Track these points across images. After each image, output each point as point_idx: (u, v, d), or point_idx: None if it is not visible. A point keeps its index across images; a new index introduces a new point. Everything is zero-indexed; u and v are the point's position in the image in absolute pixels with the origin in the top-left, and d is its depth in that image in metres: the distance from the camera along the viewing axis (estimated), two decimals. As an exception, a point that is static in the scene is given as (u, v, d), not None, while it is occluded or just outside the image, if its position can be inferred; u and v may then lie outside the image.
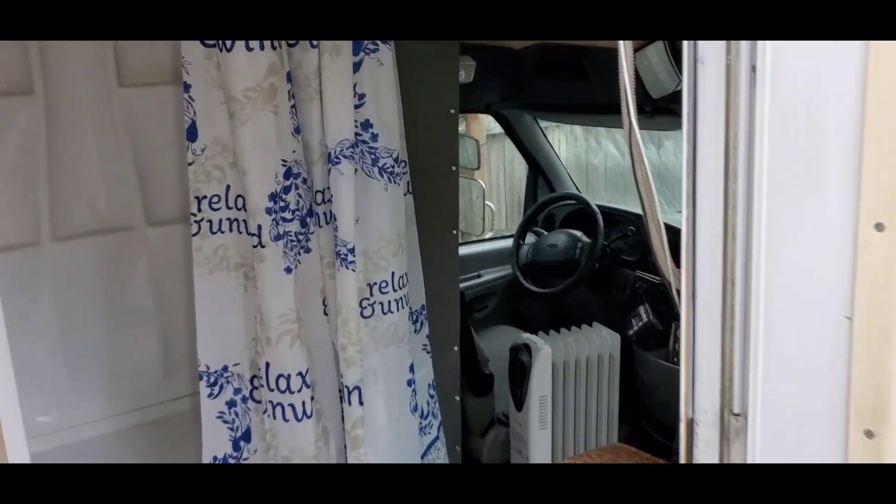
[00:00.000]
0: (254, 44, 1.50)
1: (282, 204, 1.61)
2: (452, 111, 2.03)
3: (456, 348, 2.21)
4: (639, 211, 2.99)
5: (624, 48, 1.08)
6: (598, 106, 2.56)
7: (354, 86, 1.67)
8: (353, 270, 1.68)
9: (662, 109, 2.38)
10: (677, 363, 2.48)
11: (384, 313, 1.81)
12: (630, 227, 2.82)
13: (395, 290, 1.81)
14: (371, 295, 1.79)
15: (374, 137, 1.73)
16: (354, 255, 1.67)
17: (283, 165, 1.60)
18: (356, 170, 1.69)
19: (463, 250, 3.02)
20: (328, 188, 1.70)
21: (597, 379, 2.38)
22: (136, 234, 2.10)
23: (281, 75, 1.56)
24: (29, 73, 1.92)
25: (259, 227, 1.58)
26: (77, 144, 2.01)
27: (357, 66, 1.67)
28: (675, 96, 2.18)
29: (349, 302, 1.69)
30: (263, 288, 1.62)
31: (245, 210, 1.63)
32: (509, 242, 3.22)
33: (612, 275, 2.87)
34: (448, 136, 2.06)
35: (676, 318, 2.33)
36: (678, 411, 0.94)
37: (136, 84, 2.01)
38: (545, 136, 3.16)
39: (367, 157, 1.73)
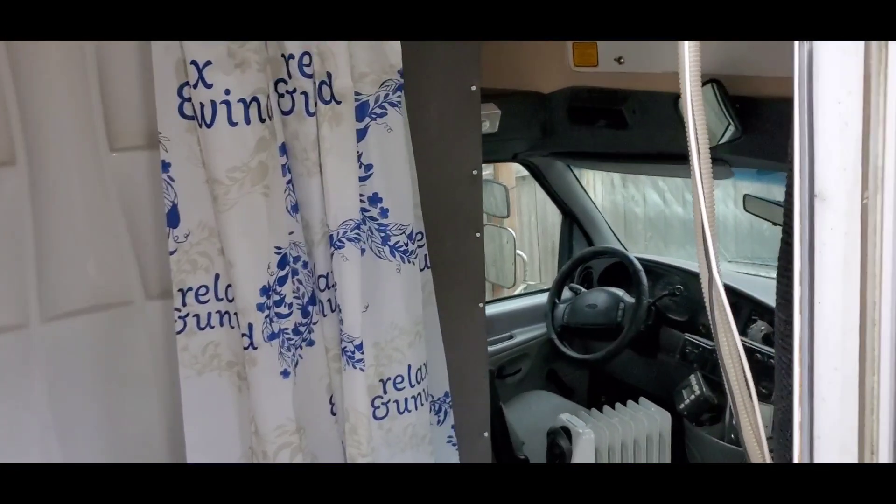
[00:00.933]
0: (238, 117, 1.29)
1: (276, 298, 1.39)
2: (475, 172, 1.80)
3: (486, 434, 1.96)
4: (685, 265, 2.76)
5: (689, 84, 0.83)
6: (638, 155, 2.32)
7: (360, 156, 1.45)
8: (362, 370, 1.45)
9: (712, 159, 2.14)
10: (734, 442, 2.22)
11: (400, 412, 1.57)
12: (678, 286, 2.56)
13: (412, 385, 1.57)
14: (385, 392, 1.56)
15: (384, 213, 1.50)
16: (363, 352, 1.45)
17: (278, 253, 1.38)
18: (363, 250, 1.47)
19: (492, 309, 2.78)
20: (332, 272, 1.47)
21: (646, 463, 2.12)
22: (134, 308, 1.89)
23: (273, 150, 1.35)
24: (10, 142, 1.74)
25: (250, 326, 1.37)
26: (66, 215, 1.82)
27: (362, 134, 1.46)
28: (728, 145, 1.94)
29: (358, 406, 1.46)
30: (257, 396, 1.40)
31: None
32: (543, 298, 2.97)
33: (657, 336, 2.61)
34: (470, 199, 1.82)
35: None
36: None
37: (129, 147, 1.81)
38: (580, 183, 2.92)
39: (377, 236, 1.51)
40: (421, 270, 1.61)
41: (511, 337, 2.81)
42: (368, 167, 1.48)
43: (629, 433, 2.06)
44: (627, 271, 2.84)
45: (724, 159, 2.13)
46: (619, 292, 2.61)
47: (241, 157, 1.31)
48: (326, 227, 1.43)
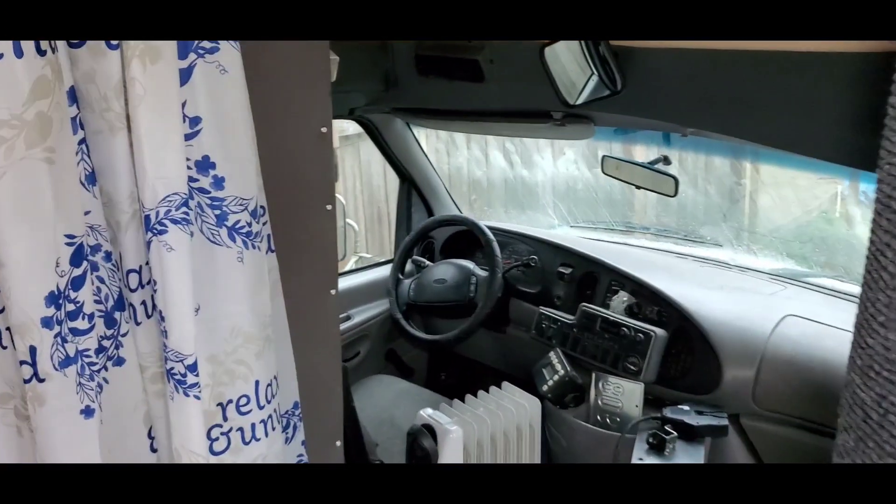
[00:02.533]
0: (3, 47, 0.86)
1: (70, 308, 0.98)
2: (324, 129, 1.45)
3: (339, 443, 1.65)
4: (533, 232, 2.57)
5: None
6: (495, 112, 2.07)
7: (184, 106, 1.06)
8: (196, 397, 1.08)
9: (575, 115, 1.93)
10: (601, 424, 2.08)
11: (246, 443, 1.21)
12: (532, 257, 2.36)
13: (261, 407, 1.22)
14: (225, 419, 1.19)
15: (219, 183, 1.12)
16: (197, 373, 1.07)
17: (69, 243, 0.97)
18: (192, 234, 1.09)
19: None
20: (148, 264, 1.08)
21: (517, 457, 1.91)
22: None
23: (58, 97, 0.92)
24: None
25: (32, 349, 0.95)
26: None
27: (186, 76, 1.06)
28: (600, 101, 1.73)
29: (192, 444, 1.09)
30: (48, 444, 0.99)
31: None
32: (381, 273, 2.67)
33: (506, 309, 2.41)
34: (319, 163, 1.47)
35: (596, 368, 1.88)
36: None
37: None
38: (420, 146, 2.63)
39: (210, 214, 1.13)
40: (265, 254, 1.25)
41: (348, 318, 2.49)
42: (196, 121, 1.09)
43: (498, 425, 1.84)
44: (473, 241, 2.61)
45: (588, 116, 1.94)
46: (470, 265, 2.37)
47: (10, 107, 0.87)
48: (139, 204, 1.03)
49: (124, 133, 1.02)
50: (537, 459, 1.96)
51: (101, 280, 1.07)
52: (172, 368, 1.06)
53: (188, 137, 1.07)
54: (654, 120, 1.75)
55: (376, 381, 2.48)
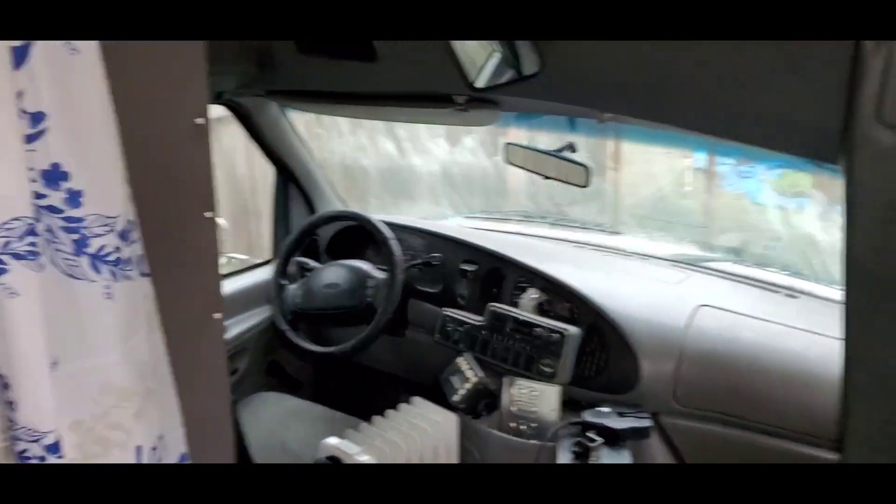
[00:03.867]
0: None
1: None
2: (200, 120, 1.19)
3: None
4: (430, 227, 2.37)
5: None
6: (389, 96, 1.86)
7: (20, 97, 0.79)
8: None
9: (480, 100, 1.76)
10: (518, 432, 1.93)
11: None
12: (434, 255, 2.17)
13: (144, 476, 0.97)
14: (98, 499, 0.93)
15: (75, 199, 0.86)
16: (60, 454, 0.81)
17: None
18: (42, 268, 0.82)
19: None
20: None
21: (432, 483, 1.72)
22: None
23: None
24: None
25: None
26: None
27: (21, 56, 0.79)
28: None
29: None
30: None
31: None
32: (257, 276, 2.40)
33: (404, 311, 2.22)
34: (196, 162, 1.21)
35: (508, 371, 1.72)
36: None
37: None
38: (297, 133, 2.37)
39: (66, 241, 0.86)
40: (138, 283, 0.99)
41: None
42: (38, 118, 0.82)
43: (414, 449, 1.64)
44: (362, 238, 2.39)
45: (494, 101, 1.77)
46: (365, 266, 2.14)
47: None
48: (-37, 234, 0.76)
49: (-65, 137, 0.74)
50: (454, 480, 1.79)
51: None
52: (25, 451, 0.80)
53: (29, 140, 0.80)
54: (571, 105, 1.60)
55: (260, 399, 2.22)
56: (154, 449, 0.99)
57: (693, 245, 2.35)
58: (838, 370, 1.59)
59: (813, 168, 2.59)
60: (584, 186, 1.80)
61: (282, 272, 2.21)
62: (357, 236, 2.37)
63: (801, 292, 2.01)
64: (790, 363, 1.67)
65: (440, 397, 1.96)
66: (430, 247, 2.22)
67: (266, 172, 3.09)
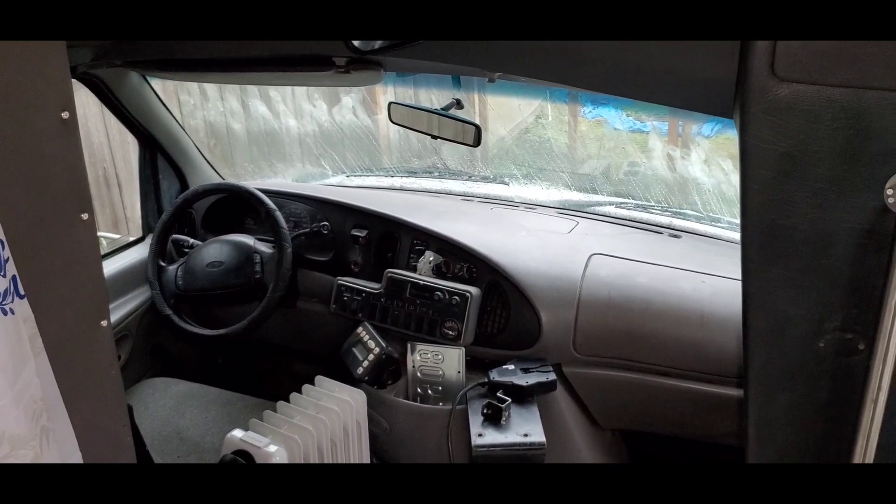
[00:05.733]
0: None
1: None
2: (66, 114, 1.06)
3: None
4: (313, 193, 2.27)
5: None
6: (262, 60, 1.73)
7: None
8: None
9: (363, 61, 1.68)
10: (424, 398, 1.92)
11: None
12: (324, 223, 2.08)
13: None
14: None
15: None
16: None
17: None
18: None
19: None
20: None
21: (347, 461, 1.69)
22: None
23: None
24: None
25: None
26: None
27: None
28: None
29: None
30: None
31: None
32: (132, 256, 2.24)
33: (294, 281, 2.14)
34: (66, 160, 1.08)
35: (411, 338, 1.71)
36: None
37: None
38: (162, 102, 2.19)
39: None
40: (18, 308, 0.88)
41: None
42: None
43: (323, 432, 1.59)
44: (240, 209, 2.27)
45: (377, 62, 1.69)
46: (249, 241, 2.02)
47: None
48: None
49: None
50: (367, 456, 1.76)
51: None
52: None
53: None
54: (458, 65, 1.55)
55: (147, 386, 2.09)
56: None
57: (576, 190, 2.38)
58: (730, 309, 1.69)
59: None
60: (475, 146, 1.77)
61: (159, 252, 2.07)
62: (235, 207, 2.24)
63: (684, 231, 2.09)
64: (683, 305, 1.73)
65: (339, 368, 1.92)
66: (316, 213, 2.13)
67: (126, 139, 2.86)
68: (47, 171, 1.03)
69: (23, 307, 0.90)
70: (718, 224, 2.12)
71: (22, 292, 0.91)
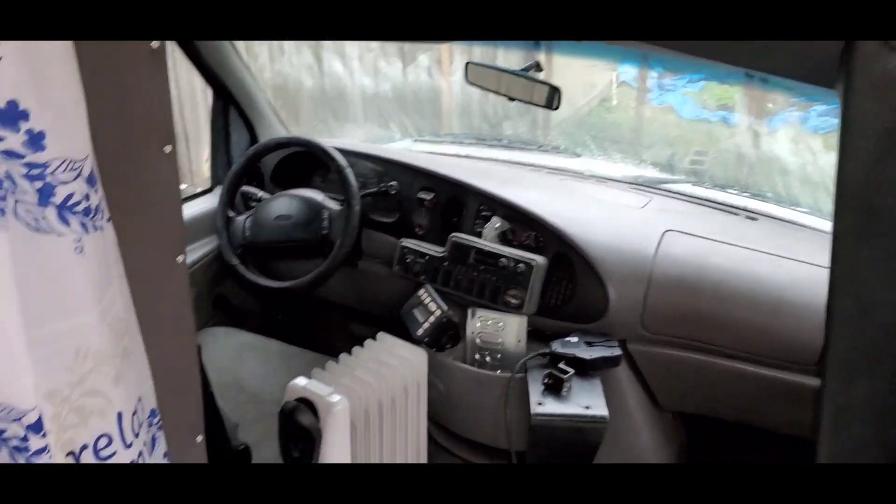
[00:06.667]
0: None
1: None
2: (156, 44, 1.06)
3: (200, 438, 1.34)
4: (382, 153, 2.26)
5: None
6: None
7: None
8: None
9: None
10: (482, 363, 1.90)
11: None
12: (391, 183, 2.07)
13: (127, 445, 0.88)
14: (79, 472, 0.84)
15: (37, 141, 0.74)
16: (44, 432, 0.72)
17: None
18: (6, 222, 0.71)
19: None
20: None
21: (405, 419, 1.68)
22: None
23: None
24: None
25: None
26: None
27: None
28: None
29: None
30: None
31: None
32: (199, 206, 2.26)
33: (358, 240, 2.13)
34: (153, 92, 1.08)
35: (472, 303, 1.68)
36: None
37: None
38: (238, 54, 2.19)
39: (28, 190, 0.74)
40: (107, 232, 0.88)
41: None
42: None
43: (385, 388, 1.58)
44: (309, 165, 2.27)
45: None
46: (318, 197, 2.03)
47: None
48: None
49: None
50: (424, 417, 1.75)
51: None
52: (3, 431, 0.71)
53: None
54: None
55: (209, 335, 2.12)
56: (134, 413, 0.90)
57: (651, 167, 2.32)
58: (808, 295, 1.63)
59: (736, 81, 2.58)
60: (554, 108, 1.73)
61: (228, 203, 2.08)
62: (304, 163, 2.24)
63: (761, 214, 2.02)
64: (758, 288, 1.68)
65: (399, 329, 1.91)
66: (383, 174, 2.12)
67: (195, 93, 2.89)
68: (135, 102, 1.03)
69: (109, 229, 0.90)
70: (799, 208, 2.04)
71: (108, 217, 0.91)
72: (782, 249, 1.76)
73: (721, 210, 2.04)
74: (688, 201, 2.09)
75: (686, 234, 1.83)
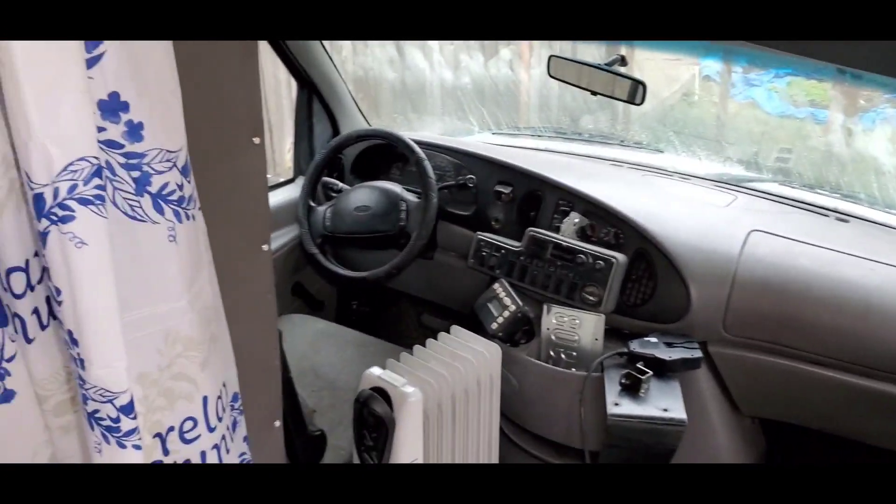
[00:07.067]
0: None
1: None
2: None
3: (278, 423, 1.37)
4: (459, 145, 2.27)
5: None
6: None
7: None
8: (137, 447, 0.75)
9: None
10: (555, 360, 1.89)
11: (196, 477, 0.90)
12: (470, 176, 2.07)
13: (211, 429, 0.91)
14: (165, 453, 0.87)
15: (136, 131, 0.76)
16: (134, 414, 0.74)
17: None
18: (107, 210, 0.74)
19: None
20: (37, 256, 0.72)
21: (478, 413, 1.68)
22: None
23: None
24: None
25: None
26: None
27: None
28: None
29: None
30: None
31: None
32: (281, 196, 2.31)
33: (434, 233, 2.13)
34: (245, 84, 1.11)
35: (548, 299, 1.65)
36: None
37: None
38: (324, 46, 2.22)
39: (126, 179, 0.77)
40: (198, 222, 0.91)
41: None
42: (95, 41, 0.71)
43: (458, 381, 1.59)
44: (388, 157, 2.28)
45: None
46: (397, 189, 2.05)
47: None
48: (24, 177, 0.66)
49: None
50: (497, 412, 1.75)
51: (-34, 288, 0.71)
52: (97, 411, 0.73)
53: (88, 65, 0.69)
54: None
55: (287, 322, 2.16)
56: (219, 398, 0.93)
57: (736, 164, 2.25)
58: (898, 300, 1.55)
59: (826, 76, 2.47)
60: (638, 104, 1.69)
61: (310, 193, 2.12)
62: (384, 155, 2.26)
63: (852, 216, 1.94)
64: (847, 292, 1.60)
65: (471, 323, 1.91)
66: (461, 167, 2.12)
67: (279, 85, 2.94)
68: (227, 93, 1.06)
69: (200, 219, 0.93)
70: (894, 211, 1.95)
71: (199, 205, 0.94)
72: (874, 253, 1.68)
73: (809, 211, 1.96)
74: (774, 201, 2.02)
75: (772, 234, 1.77)
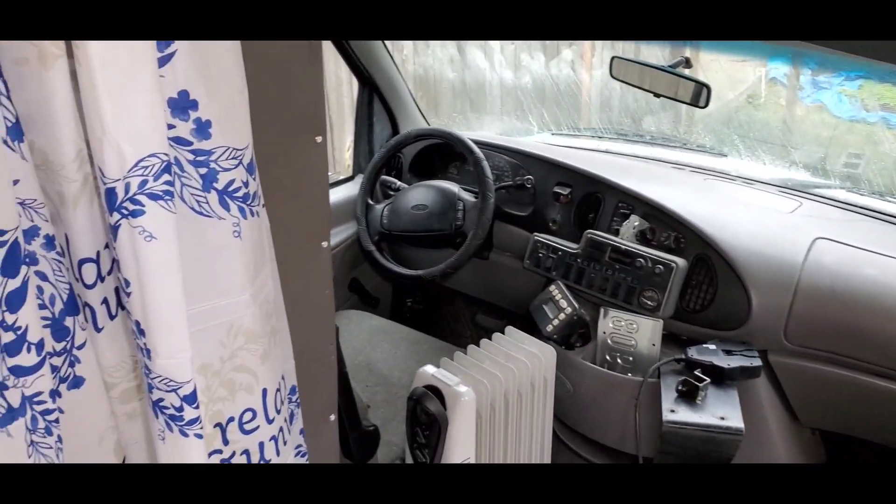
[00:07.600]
0: None
1: (8, 338, 0.65)
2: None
3: (333, 417, 1.39)
4: (516, 145, 2.26)
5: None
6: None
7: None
8: (199, 436, 0.77)
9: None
10: (610, 365, 1.87)
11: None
12: (528, 177, 2.06)
13: (269, 421, 0.93)
14: (225, 443, 0.90)
15: (204, 129, 0.78)
16: (197, 404, 0.76)
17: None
18: (169, 204, 0.76)
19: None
20: (107, 248, 0.75)
21: (531, 415, 1.68)
22: None
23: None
24: None
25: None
26: None
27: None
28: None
29: (194, 495, 0.79)
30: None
31: None
32: (340, 193, 2.34)
33: (490, 233, 2.13)
34: (308, 83, 1.13)
35: (605, 303, 1.63)
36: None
37: None
38: (385, 44, 2.25)
39: (194, 176, 0.79)
40: (262, 218, 0.93)
41: None
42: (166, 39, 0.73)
43: (511, 382, 1.59)
44: (446, 156, 2.29)
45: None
46: (454, 188, 2.05)
47: None
48: (97, 171, 0.69)
49: (63, 62, 0.66)
50: (550, 414, 1.74)
51: (43, 277, 0.74)
52: (161, 400, 0.75)
53: (160, 63, 0.72)
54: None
55: (343, 317, 2.19)
56: (278, 390, 0.95)
57: (802, 169, 2.19)
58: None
59: None
60: (702, 107, 1.66)
61: (368, 191, 2.14)
62: (442, 154, 2.27)
63: (924, 225, 1.87)
64: None
65: (526, 324, 1.90)
66: (519, 167, 2.11)
67: (340, 84, 2.98)
68: (292, 93, 1.08)
69: (264, 215, 0.95)
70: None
71: (263, 202, 0.96)
72: None
73: (878, 219, 1.90)
74: (841, 208, 1.96)
75: (838, 242, 1.72)
